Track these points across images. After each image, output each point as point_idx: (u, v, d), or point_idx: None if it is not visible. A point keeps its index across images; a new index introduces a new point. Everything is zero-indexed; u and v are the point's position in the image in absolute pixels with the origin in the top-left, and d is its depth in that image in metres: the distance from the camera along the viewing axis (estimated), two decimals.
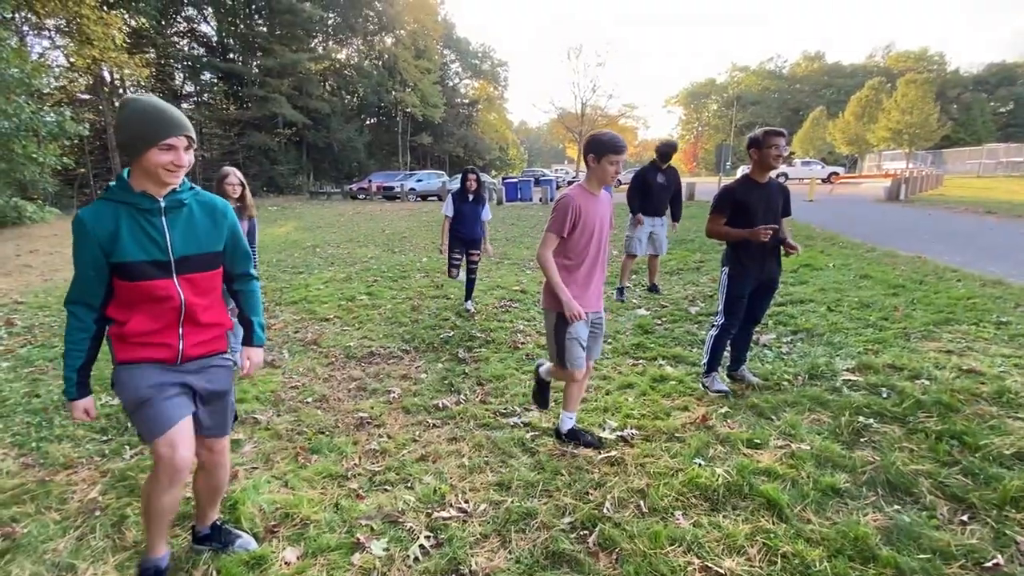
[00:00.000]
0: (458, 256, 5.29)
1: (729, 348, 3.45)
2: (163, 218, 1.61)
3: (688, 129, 77.32)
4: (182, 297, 1.65)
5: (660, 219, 5.62)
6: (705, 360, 3.35)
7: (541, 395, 2.91)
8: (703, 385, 3.35)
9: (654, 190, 5.49)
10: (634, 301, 5.66)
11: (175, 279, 1.63)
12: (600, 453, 2.64)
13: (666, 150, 5.57)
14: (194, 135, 1.61)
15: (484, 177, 29.46)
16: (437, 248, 5.38)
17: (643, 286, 6.27)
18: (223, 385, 1.82)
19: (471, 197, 5.17)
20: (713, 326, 3.34)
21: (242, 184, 3.73)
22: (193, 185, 1.72)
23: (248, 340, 1.97)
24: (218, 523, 2.04)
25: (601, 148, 2.38)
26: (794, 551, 1.91)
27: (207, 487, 1.94)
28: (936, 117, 37.53)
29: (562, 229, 2.42)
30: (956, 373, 3.36)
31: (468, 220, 5.21)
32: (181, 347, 1.70)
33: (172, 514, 1.83)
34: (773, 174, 3.14)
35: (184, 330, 1.69)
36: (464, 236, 5.25)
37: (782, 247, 3.23)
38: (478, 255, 5.41)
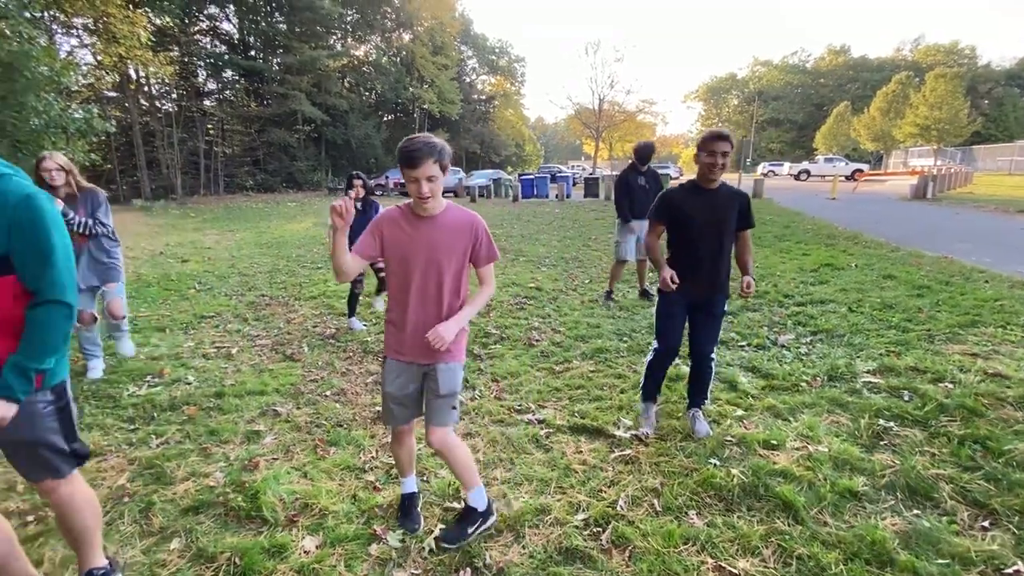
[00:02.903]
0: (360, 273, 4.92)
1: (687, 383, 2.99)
2: None
3: (708, 125, 76.17)
4: None
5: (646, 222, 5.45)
6: (640, 386, 2.98)
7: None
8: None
9: (636, 193, 5.34)
10: (638, 301, 5.63)
11: None
12: (614, 451, 2.65)
13: (644, 152, 5.38)
14: None
15: (500, 174, 29.38)
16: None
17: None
18: (19, 433, 1.44)
19: (359, 205, 4.63)
20: (651, 350, 2.92)
21: (64, 169, 3.31)
22: None
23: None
24: (96, 572, 1.74)
25: (398, 159, 1.80)
26: (810, 553, 1.90)
27: (61, 529, 1.72)
28: (966, 112, 36.44)
29: (361, 246, 1.95)
30: (981, 377, 3.29)
31: (357, 231, 4.85)
32: None
33: None
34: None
35: None
36: None
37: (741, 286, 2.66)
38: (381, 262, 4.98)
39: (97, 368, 3.75)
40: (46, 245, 1.38)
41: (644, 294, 5.70)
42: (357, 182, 4.73)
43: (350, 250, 1.92)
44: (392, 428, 2.11)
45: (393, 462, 2.60)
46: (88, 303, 3.62)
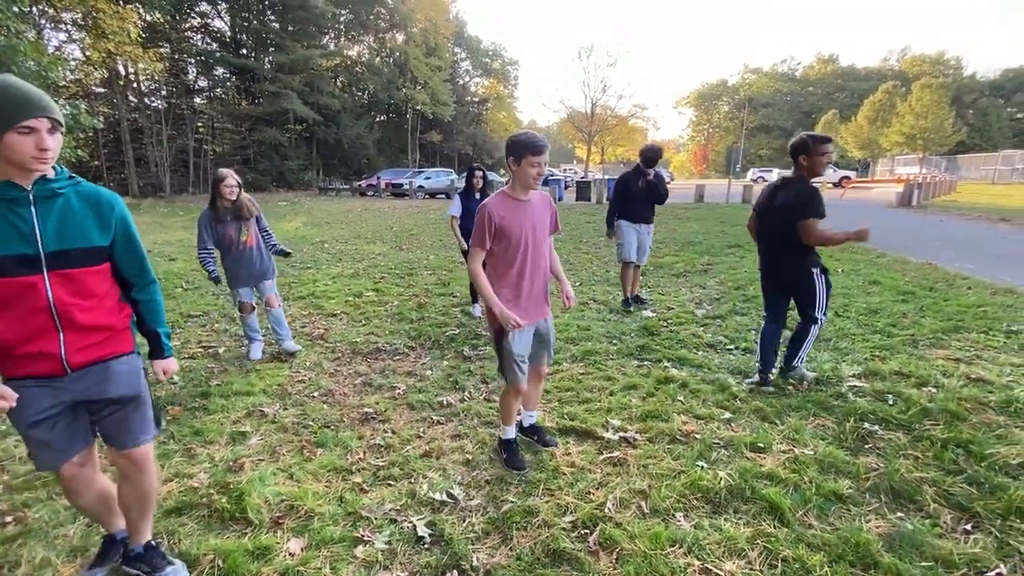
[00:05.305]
0: None
1: (766, 347, 3.51)
2: (32, 208, 1.46)
3: (699, 131, 76.90)
4: (50, 295, 1.48)
5: (647, 226, 5.39)
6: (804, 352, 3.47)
7: (511, 457, 2.59)
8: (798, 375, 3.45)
9: (636, 196, 5.26)
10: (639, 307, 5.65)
11: (45, 275, 1.48)
12: (603, 453, 2.66)
13: (651, 154, 5.26)
14: (60, 117, 1.45)
15: (492, 176, 29.52)
16: (460, 249, 5.30)
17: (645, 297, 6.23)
18: (126, 390, 1.66)
19: (478, 195, 5.11)
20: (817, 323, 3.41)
21: (239, 186, 3.82)
22: (74, 175, 1.57)
23: (158, 353, 1.81)
24: (153, 544, 1.88)
25: (520, 149, 2.26)
26: (795, 555, 1.92)
27: (133, 497, 1.79)
28: (951, 122, 37.13)
29: (483, 241, 2.33)
30: (964, 381, 3.34)
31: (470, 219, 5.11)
32: (64, 354, 1.54)
33: (100, 510, 1.83)
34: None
35: (65, 336, 1.53)
36: None
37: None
38: None
39: (257, 350, 4.15)
40: (138, 238, 1.70)
41: (637, 300, 5.55)
42: (478, 173, 5.16)
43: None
44: (519, 385, 2.47)
45: (381, 464, 2.59)
46: (249, 295, 4.06)
